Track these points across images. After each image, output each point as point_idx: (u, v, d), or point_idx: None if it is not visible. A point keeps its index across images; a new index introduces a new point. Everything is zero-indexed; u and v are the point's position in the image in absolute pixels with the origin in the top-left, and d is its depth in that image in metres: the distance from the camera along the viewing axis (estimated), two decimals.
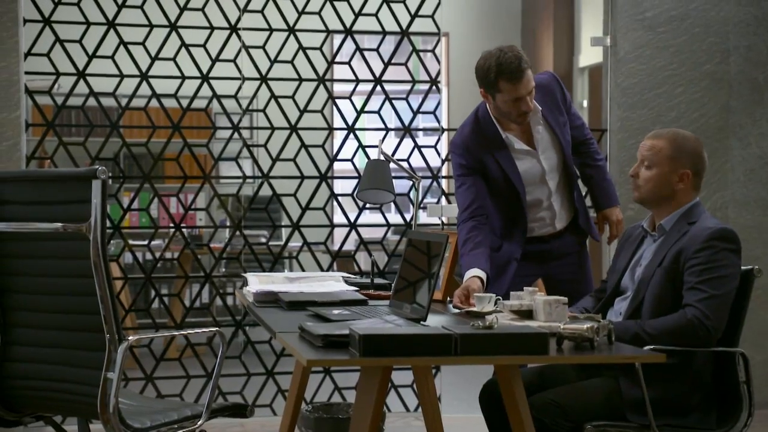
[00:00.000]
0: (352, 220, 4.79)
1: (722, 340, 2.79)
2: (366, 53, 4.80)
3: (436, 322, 2.62)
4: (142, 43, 4.51)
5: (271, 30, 4.66)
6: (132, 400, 2.78)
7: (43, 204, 2.53)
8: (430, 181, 4.95)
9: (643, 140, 2.94)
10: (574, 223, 3.51)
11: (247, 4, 4.62)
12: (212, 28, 4.61)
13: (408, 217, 4.77)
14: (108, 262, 2.45)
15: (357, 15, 4.73)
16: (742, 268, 2.84)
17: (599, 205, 3.57)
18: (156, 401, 2.94)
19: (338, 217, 5.18)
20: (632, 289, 2.88)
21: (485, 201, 3.39)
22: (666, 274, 2.77)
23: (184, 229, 4.80)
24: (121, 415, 2.46)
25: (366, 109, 4.84)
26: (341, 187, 5.26)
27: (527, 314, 2.76)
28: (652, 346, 2.60)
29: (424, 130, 5.68)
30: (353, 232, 4.82)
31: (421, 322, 2.62)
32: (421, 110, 4.88)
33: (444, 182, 5.11)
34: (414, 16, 4.79)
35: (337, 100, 4.89)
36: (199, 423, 2.63)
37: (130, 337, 2.47)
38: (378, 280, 3.49)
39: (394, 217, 5.05)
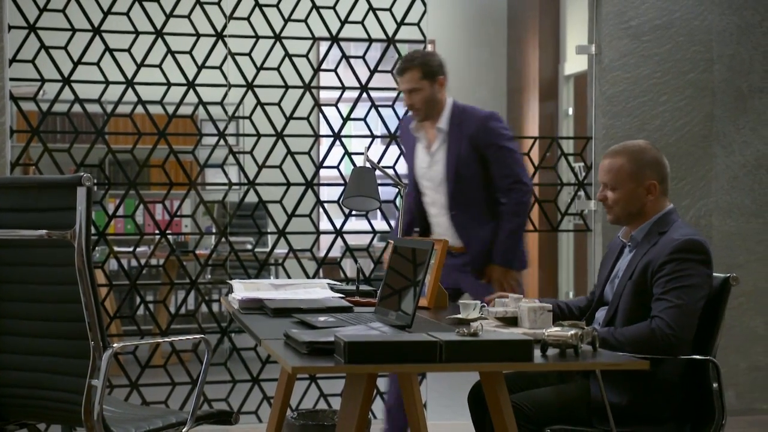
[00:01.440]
0: (338, 226, 4.79)
1: (698, 348, 2.80)
2: (352, 60, 4.81)
3: (421, 329, 2.63)
4: (128, 50, 4.51)
5: (257, 37, 4.67)
6: (117, 407, 2.77)
7: (27, 211, 2.52)
8: None
9: (601, 161, 2.93)
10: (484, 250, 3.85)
11: (233, 11, 4.63)
12: (198, 35, 4.61)
13: (393, 223, 4.77)
14: (93, 269, 2.44)
15: (343, 22, 4.74)
16: (719, 275, 2.85)
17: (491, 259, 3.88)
18: (141, 408, 2.93)
19: (324, 224, 5.18)
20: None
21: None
22: (634, 287, 2.79)
23: (169, 236, 4.79)
24: (106, 422, 2.45)
25: (352, 116, 4.84)
26: (327, 194, 5.27)
27: (512, 321, 2.77)
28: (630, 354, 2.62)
29: None
30: (339, 239, 4.82)
31: (407, 329, 2.62)
32: None
33: None
34: (400, 24, 4.80)
35: (323, 107, 4.89)
36: (183, 430, 2.62)
37: (115, 345, 2.47)
38: (363, 287, 3.50)
39: (380, 224, 5.05)
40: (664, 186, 2.90)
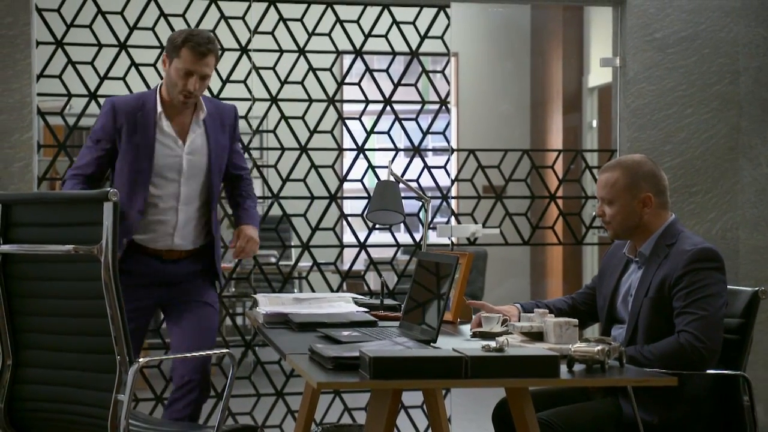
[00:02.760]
0: (362, 240, 4.79)
1: (727, 362, 2.77)
2: (376, 74, 4.81)
3: (446, 343, 2.62)
4: (154, 65, 4.54)
5: (281, 51, 4.69)
6: (142, 422, 2.78)
7: (54, 226, 2.54)
8: (439, 201, 4.95)
9: (598, 177, 2.93)
10: (204, 254, 3.54)
11: (257, 25, 4.65)
12: (223, 50, 4.63)
13: (417, 237, 4.77)
14: (119, 283, 2.45)
15: (367, 36, 4.75)
16: (747, 288, 2.83)
17: (238, 222, 3.68)
18: (166, 423, 2.94)
19: (348, 237, 5.18)
20: (627, 318, 2.87)
21: (98, 169, 3.51)
22: (653, 304, 2.76)
23: None
24: None
25: (376, 129, 4.85)
26: (351, 207, 5.27)
27: (538, 336, 2.75)
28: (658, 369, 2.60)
29: (433, 150, 5.69)
30: (363, 252, 4.82)
31: (432, 344, 2.61)
32: (430, 131, 4.89)
33: (453, 202, 5.11)
34: (424, 37, 4.80)
35: (347, 121, 4.90)
36: None
37: (141, 359, 2.48)
38: (388, 301, 3.49)
39: (404, 237, 5.05)
40: (662, 199, 2.87)
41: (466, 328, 3.07)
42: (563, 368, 2.36)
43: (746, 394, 2.71)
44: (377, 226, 4.87)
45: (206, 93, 4.60)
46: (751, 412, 2.71)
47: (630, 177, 2.84)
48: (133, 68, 4.53)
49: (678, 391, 2.68)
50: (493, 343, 2.35)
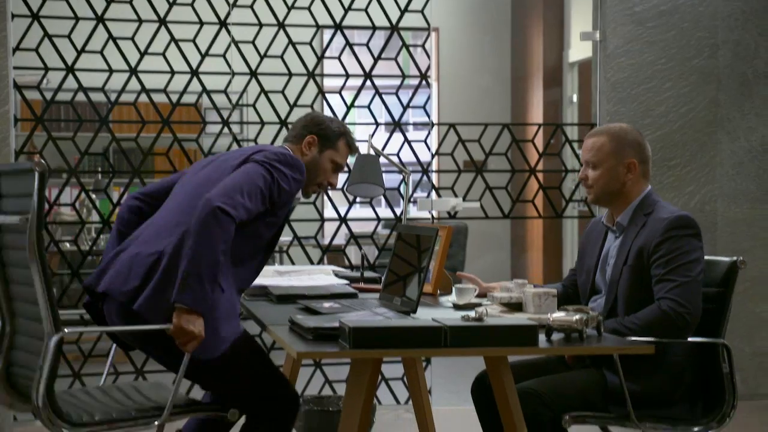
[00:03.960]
0: (343, 214, 4.79)
1: (706, 331, 2.80)
2: (356, 48, 4.80)
3: (426, 314, 2.63)
4: (132, 38, 4.50)
5: (260, 25, 4.66)
6: (96, 394, 2.76)
7: (6, 197, 2.61)
8: (420, 175, 4.96)
9: (584, 141, 2.95)
10: None
11: None
12: (201, 23, 4.60)
13: (398, 211, 4.78)
14: (43, 253, 2.44)
15: (347, 10, 4.73)
16: (725, 258, 2.86)
17: None
18: (127, 397, 2.87)
19: (329, 212, 5.18)
20: (605, 289, 2.89)
21: None
22: (632, 271, 2.79)
23: None
24: (57, 404, 2.45)
25: (356, 103, 4.84)
26: None
27: (517, 307, 2.77)
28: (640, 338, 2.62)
29: (414, 124, 5.69)
30: (343, 226, 4.82)
31: (411, 315, 2.63)
32: (411, 105, 4.88)
33: (434, 176, 5.12)
34: (404, 11, 4.79)
35: (327, 95, 4.89)
36: (157, 422, 2.57)
37: (68, 329, 2.46)
38: (368, 274, 3.50)
39: (385, 212, 5.06)
40: (645, 168, 2.90)
41: (446, 300, 3.08)
42: (542, 337, 2.38)
43: (725, 362, 2.74)
44: (358, 199, 4.87)
45: (184, 66, 4.59)
46: (730, 379, 2.74)
47: (616, 142, 2.87)
48: (110, 42, 4.49)
49: (660, 359, 2.71)
50: (472, 313, 2.37)
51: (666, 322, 2.69)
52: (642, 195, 2.88)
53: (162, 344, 2.58)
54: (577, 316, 2.38)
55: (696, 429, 2.75)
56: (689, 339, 2.74)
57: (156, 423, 2.59)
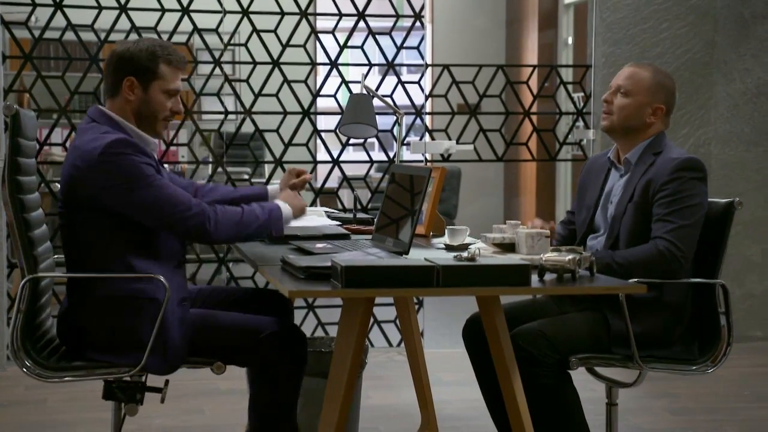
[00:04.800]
0: (336, 156, 4.76)
1: (702, 272, 2.81)
2: None
3: (418, 255, 2.63)
4: None
5: None
6: None
7: None
8: (413, 117, 4.92)
9: (624, 69, 2.92)
10: None
11: None
12: None
13: (391, 154, 4.75)
14: (16, 197, 2.44)
15: None
16: (723, 200, 2.85)
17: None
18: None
19: (321, 154, 5.15)
20: (605, 226, 2.88)
21: None
22: (637, 208, 2.78)
23: (166, 165, 4.76)
24: (27, 347, 2.45)
25: (349, 44, 4.78)
26: (324, 123, 5.23)
27: (510, 247, 2.77)
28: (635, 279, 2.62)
29: (407, 66, 5.63)
30: (336, 169, 4.80)
31: (404, 256, 2.62)
32: (405, 46, 4.83)
33: (428, 118, 5.08)
34: None
35: (320, 35, 4.83)
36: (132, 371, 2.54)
37: (41, 274, 2.47)
38: (361, 215, 3.48)
39: (378, 155, 5.03)
40: (667, 119, 2.90)
41: (439, 241, 3.08)
42: (534, 278, 2.37)
43: (722, 302, 2.75)
44: (351, 142, 4.84)
45: (175, 3, 4.51)
46: (726, 319, 2.76)
47: (656, 82, 2.85)
48: None
49: (659, 299, 2.72)
50: (464, 253, 2.36)
51: (660, 261, 2.68)
52: (653, 136, 2.87)
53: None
54: (570, 256, 2.37)
55: (693, 368, 2.78)
56: (689, 279, 2.75)
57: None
